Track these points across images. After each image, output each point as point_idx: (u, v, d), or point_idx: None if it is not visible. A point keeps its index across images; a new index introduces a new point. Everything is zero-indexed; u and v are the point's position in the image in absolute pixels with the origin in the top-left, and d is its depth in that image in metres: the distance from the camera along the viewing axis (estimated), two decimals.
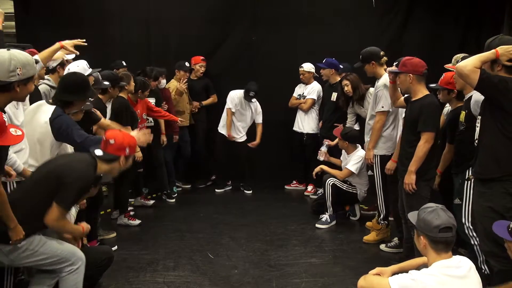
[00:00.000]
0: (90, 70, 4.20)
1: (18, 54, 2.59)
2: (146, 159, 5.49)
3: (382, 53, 4.57)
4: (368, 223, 5.09)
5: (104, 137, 3.10)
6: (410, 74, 3.77)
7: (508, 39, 3.14)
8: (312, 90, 6.42)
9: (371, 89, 5.05)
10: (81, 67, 4.14)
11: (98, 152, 3.05)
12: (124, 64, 6.15)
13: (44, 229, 2.93)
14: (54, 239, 3.01)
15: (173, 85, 6.33)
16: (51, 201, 2.83)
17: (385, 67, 4.52)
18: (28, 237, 2.82)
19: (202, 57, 6.57)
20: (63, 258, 2.94)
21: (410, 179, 3.74)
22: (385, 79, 4.43)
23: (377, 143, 4.56)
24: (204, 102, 6.62)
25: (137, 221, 5.21)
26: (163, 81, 6.17)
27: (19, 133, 2.51)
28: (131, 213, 5.34)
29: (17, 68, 2.53)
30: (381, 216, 4.74)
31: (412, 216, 2.59)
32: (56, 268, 2.95)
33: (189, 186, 6.78)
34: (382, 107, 4.48)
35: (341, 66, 6.17)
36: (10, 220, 2.69)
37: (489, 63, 3.08)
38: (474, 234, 3.60)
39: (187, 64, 6.39)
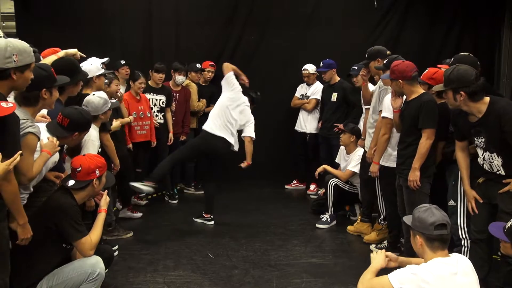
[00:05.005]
0: (103, 70, 4.17)
1: (15, 41, 2.56)
2: (149, 158, 5.49)
3: (388, 52, 4.57)
4: None
5: (71, 166, 3.08)
6: (400, 80, 3.79)
7: (464, 69, 3.17)
8: (316, 91, 6.41)
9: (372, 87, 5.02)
10: (95, 66, 4.08)
11: (70, 182, 3.03)
12: (123, 62, 5.91)
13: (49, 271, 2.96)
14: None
15: (190, 86, 6.30)
16: (57, 246, 2.93)
17: None
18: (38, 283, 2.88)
19: (211, 62, 6.45)
20: (80, 277, 2.93)
21: (414, 176, 3.74)
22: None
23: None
24: (206, 109, 6.52)
25: (139, 214, 5.31)
26: (180, 78, 6.03)
27: (11, 105, 2.45)
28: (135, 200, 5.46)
29: (13, 54, 2.50)
30: (381, 217, 4.74)
31: (407, 219, 2.64)
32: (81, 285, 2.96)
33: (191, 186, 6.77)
34: None
35: None
36: (20, 215, 2.64)
37: (451, 94, 3.16)
38: (467, 235, 3.59)
39: (198, 65, 6.32)
